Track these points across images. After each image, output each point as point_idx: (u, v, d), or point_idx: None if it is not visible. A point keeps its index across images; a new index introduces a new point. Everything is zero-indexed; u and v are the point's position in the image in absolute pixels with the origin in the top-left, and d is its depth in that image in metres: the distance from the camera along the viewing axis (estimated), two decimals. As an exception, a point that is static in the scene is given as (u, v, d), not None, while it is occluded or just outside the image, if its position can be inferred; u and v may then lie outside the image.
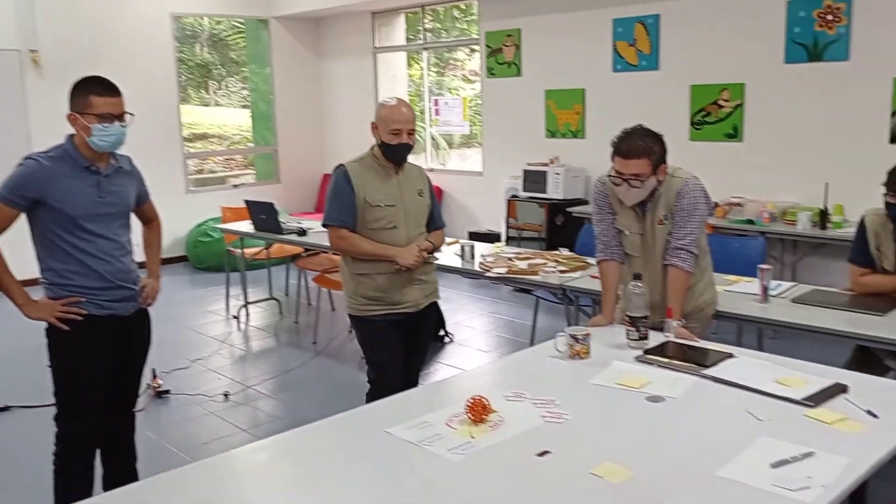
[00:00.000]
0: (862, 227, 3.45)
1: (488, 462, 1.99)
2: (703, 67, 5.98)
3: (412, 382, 3.39)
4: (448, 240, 5.10)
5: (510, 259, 4.34)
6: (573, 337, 2.72)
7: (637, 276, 2.88)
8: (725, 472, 1.89)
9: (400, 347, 3.37)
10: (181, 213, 8.12)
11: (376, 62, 8.70)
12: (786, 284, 3.68)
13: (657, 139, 2.93)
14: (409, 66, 9.21)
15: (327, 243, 5.13)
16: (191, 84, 13.12)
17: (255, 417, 4.32)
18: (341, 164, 3.32)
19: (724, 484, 1.84)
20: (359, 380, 4.50)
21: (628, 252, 3.15)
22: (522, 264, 4.18)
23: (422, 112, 8.33)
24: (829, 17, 5.28)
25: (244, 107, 10.93)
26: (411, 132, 3.24)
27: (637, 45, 6.35)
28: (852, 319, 3.14)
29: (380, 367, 3.38)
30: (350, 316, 3.44)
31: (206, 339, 5.75)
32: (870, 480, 1.94)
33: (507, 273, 4.10)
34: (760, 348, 4.29)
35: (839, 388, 2.35)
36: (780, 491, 1.78)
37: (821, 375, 2.45)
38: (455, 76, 11.03)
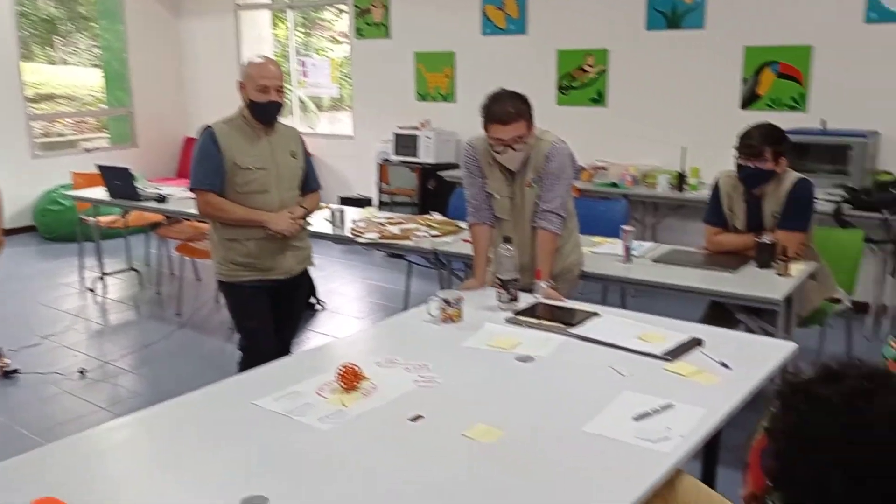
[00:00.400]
0: (716, 188, 3.64)
1: (360, 430, 1.96)
2: (569, 33, 6.09)
3: (284, 351, 3.30)
4: (318, 205, 5.00)
5: (382, 224, 4.29)
6: (445, 301, 2.72)
7: (507, 239, 2.91)
8: (591, 427, 1.94)
9: (271, 315, 3.31)
10: (26, 180, 7.53)
11: (238, 20, 8.32)
12: (647, 245, 3.83)
13: (524, 100, 2.94)
14: (275, 25, 8.86)
15: (189, 210, 4.94)
16: (34, 40, 12.10)
17: (115, 394, 4.09)
18: (208, 126, 3.16)
19: (590, 438, 1.89)
20: (226, 351, 4.37)
21: (498, 215, 3.18)
22: (394, 229, 4.14)
23: (288, 74, 8.05)
24: (686, -13, 5.49)
25: (95, 66, 10.21)
26: (280, 90, 3.14)
27: (505, 9, 6.38)
28: (707, 277, 3.31)
29: (250, 335, 3.31)
30: (219, 283, 3.33)
31: (59, 313, 5.38)
32: (723, 428, 2.05)
33: (379, 238, 4.05)
34: (624, 306, 4.47)
35: (695, 342, 2.47)
36: (641, 443, 1.85)
37: (679, 331, 2.56)
38: (323, 37, 10.73)
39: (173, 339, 4.84)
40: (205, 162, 3.14)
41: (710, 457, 2.48)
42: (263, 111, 3.13)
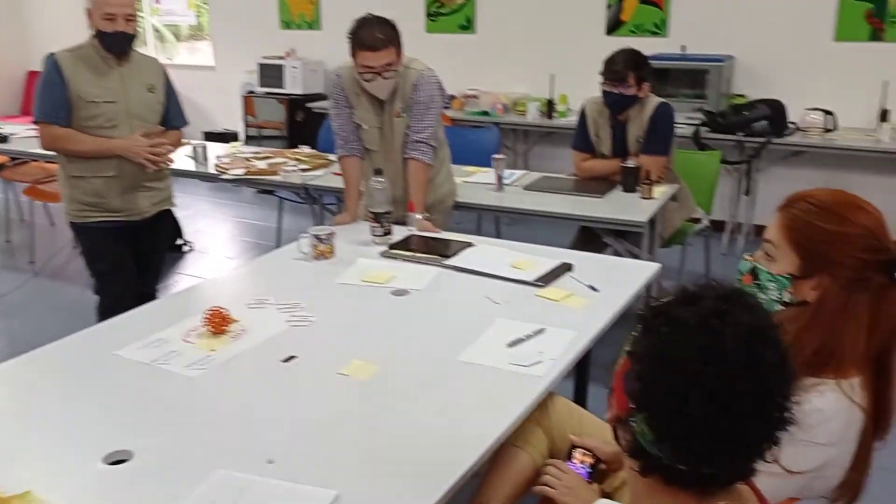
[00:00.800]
0: (582, 115, 3.69)
1: (230, 374, 1.89)
2: (436, -43, 5.94)
3: (148, 297, 3.14)
4: (179, 141, 4.73)
5: (248, 159, 4.11)
6: (316, 237, 2.65)
7: (378, 172, 2.84)
8: (466, 356, 1.96)
9: (126, 258, 3.16)
10: None
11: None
12: (518, 173, 3.86)
13: (393, 26, 2.85)
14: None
15: (36, 150, 4.56)
16: None
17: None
18: (51, 54, 2.91)
19: (466, 367, 1.90)
20: (87, 299, 4.10)
21: (368, 147, 3.10)
22: (261, 164, 3.98)
23: (140, 0, 7.50)
24: (551, -89, 5.44)
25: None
26: (130, 18, 2.91)
27: (370, -68, 6.13)
28: (576, 202, 3.38)
29: (102, 279, 3.14)
30: (70, 224, 3.11)
31: None
32: (593, 347, 2.12)
33: (246, 174, 3.88)
34: (498, 235, 4.55)
35: (565, 267, 2.52)
36: (515, 368, 1.89)
37: (550, 257, 2.61)
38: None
39: (27, 289, 4.51)
40: (48, 93, 2.90)
41: (582, 375, 2.57)
42: (111, 41, 2.90)
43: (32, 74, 8.06)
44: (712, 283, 0.97)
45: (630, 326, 1.03)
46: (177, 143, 3.22)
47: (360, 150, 3.10)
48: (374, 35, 2.78)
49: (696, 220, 3.87)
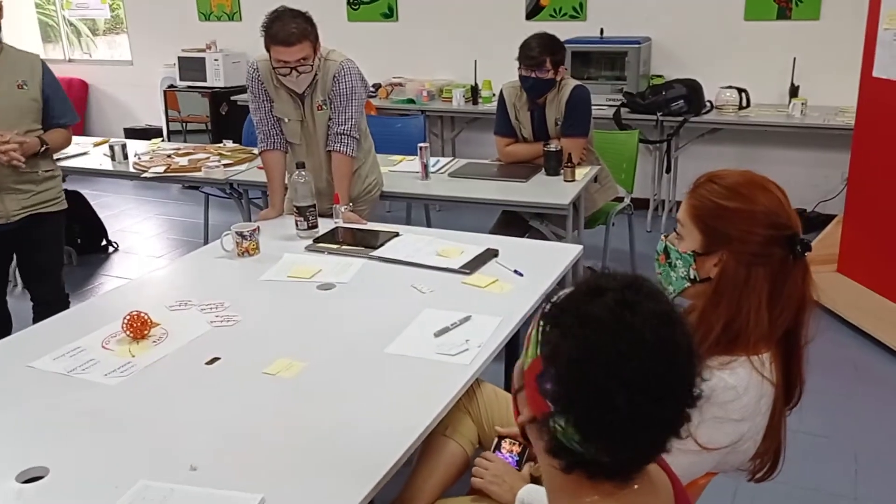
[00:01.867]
0: (501, 99, 3.72)
1: (151, 380, 1.85)
2: (355, -56, 5.88)
3: (46, 304, 3.01)
4: (97, 139, 4.59)
5: (169, 156, 4.01)
6: (239, 234, 2.61)
7: (300, 165, 2.81)
8: (392, 348, 1.96)
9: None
10: None
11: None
12: (444, 160, 3.87)
13: (308, 19, 2.80)
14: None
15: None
16: None
17: None
18: None
19: (393, 360, 1.91)
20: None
21: (290, 140, 3.06)
22: (183, 161, 3.89)
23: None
24: None
25: None
26: None
27: (286, -81, 6.02)
28: (501, 188, 3.41)
29: None
30: None
31: None
32: (520, 329, 2.14)
33: (166, 172, 3.79)
34: (429, 222, 4.55)
35: (491, 254, 2.55)
36: (442, 357, 1.90)
37: (476, 244, 2.63)
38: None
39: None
40: None
41: (511, 358, 2.60)
42: None
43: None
44: (610, 273, 0.98)
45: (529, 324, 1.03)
46: (59, 142, 3.07)
47: (282, 144, 3.06)
48: (287, 29, 2.73)
49: (619, 200, 3.95)
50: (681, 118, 4.73)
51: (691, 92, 4.76)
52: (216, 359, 1.94)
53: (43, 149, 2.93)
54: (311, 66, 2.83)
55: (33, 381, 1.85)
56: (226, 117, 6.21)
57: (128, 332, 2.04)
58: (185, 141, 6.13)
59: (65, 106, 3.06)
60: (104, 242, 5.04)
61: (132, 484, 1.45)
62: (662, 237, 1.52)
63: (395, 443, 1.57)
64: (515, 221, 3.48)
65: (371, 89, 5.55)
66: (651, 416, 0.90)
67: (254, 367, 1.88)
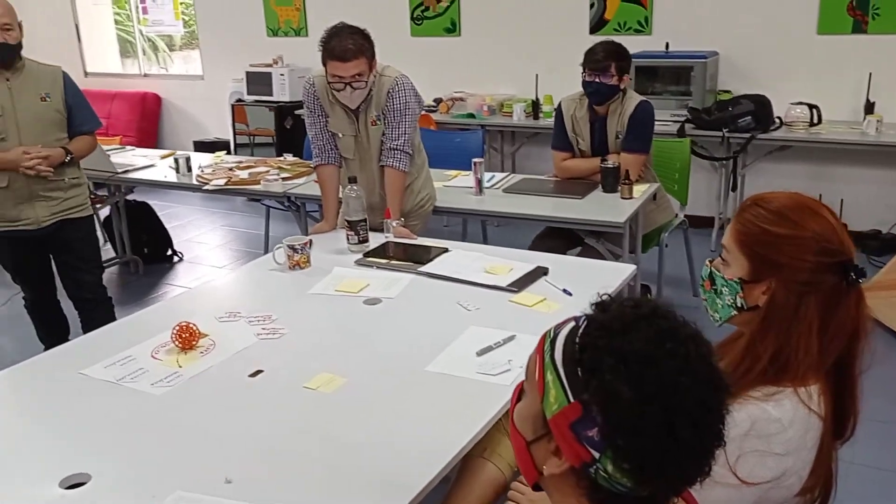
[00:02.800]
0: (559, 112, 3.68)
1: (196, 390, 1.88)
2: (420, -39, 5.93)
3: (83, 301, 3.35)
4: (164, 152, 4.74)
5: (231, 169, 4.10)
6: (291, 247, 2.64)
7: (352, 180, 2.83)
8: (434, 366, 1.94)
9: (30, 265, 3.32)
10: None
11: (66, -47, 7.65)
12: (500, 175, 3.85)
13: (366, 36, 2.83)
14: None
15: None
16: None
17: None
18: None
19: (433, 378, 1.89)
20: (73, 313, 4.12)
21: (344, 155, 3.09)
22: (243, 174, 3.97)
23: (115, 9, 7.50)
24: (532, -89, 5.43)
25: None
26: (6, 28, 2.91)
27: (353, -63, 6.12)
28: (556, 204, 3.37)
29: (15, 282, 3.41)
30: None
31: None
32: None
33: (227, 184, 3.87)
34: (485, 237, 4.53)
35: (541, 271, 2.51)
36: (483, 377, 1.87)
37: (527, 261, 2.59)
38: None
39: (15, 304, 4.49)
40: None
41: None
42: None
43: None
44: (616, 301, 0.95)
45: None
46: (83, 150, 3.22)
47: (336, 159, 3.09)
48: (344, 45, 2.76)
49: (674, 216, 3.84)
50: (748, 134, 4.59)
51: (759, 108, 4.62)
52: (259, 371, 1.96)
53: (68, 158, 3.11)
54: (366, 82, 2.85)
55: (84, 389, 1.90)
56: (290, 131, 6.33)
57: (176, 343, 2.07)
58: (252, 154, 6.27)
59: (88, 113, 3.23)
60: (169, 252, 5.18)
61: (168, 494, 1.47)
62: (707, 263, 1.46)
63: (431, 462, 1.55)
64: (560, 234, 3.42)
65: (432, 104, 5.58)
66: (703, 445, 0.88)
67: (295, 380, 1.89)
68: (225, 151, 5.51)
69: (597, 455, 0.88)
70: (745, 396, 1.29)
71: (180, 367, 2.00)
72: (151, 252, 5.07)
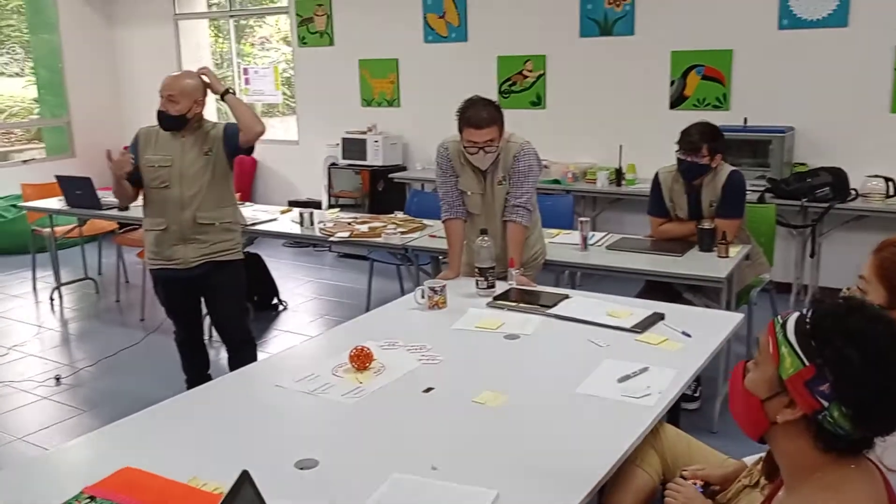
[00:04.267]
0: (657, 183, 4.00)
1: (381, 402, 2.21)
2: (508, 40, 6.42)
3: (231, 342, 3.71)
4: (271, 208, 5.19)
5: (349, 223, 4.51)
6: (432, 289, 2.98)
7: (483, 231, 3.19)
8: (582, 389, 2.24)
9: (182, 303, 3.70)
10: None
11: (178, 29, 8.37)
12: (599, 234, 4.17)
13: (497, 107, 3.23)
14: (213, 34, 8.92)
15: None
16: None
17: (94, 397, 4.17)
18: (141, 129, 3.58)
19: (583, 398, 2.19)
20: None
21: (471, 210, 3.46)
22: (363, 227, 4.37)
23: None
24: (617, -4, 5.90)
25: (18, 75, 10.02)
26: (170, 99, 3.38)
27: (446, 18, 6.67)
28: (657, 261, 3.67)
29: (168, 317, 3.84)
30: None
31: (19, 324, 5.38)
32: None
33: (350, 237, 4.28)
34: (573, 289, 4.82)
35: (658, 317, 2.80)
36: (628, 399, 2.16)
37: (641, 307, 2.90)
38: (252, 44, 10.79)
39: (143, 345, 4.91)
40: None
41: (673, 411, 2.82)
42: (158, 118, 3.45)
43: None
44: (836, 299, 1.29)
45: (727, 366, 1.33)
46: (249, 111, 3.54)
47: (463, 214, 3.46)
48: (479, 115, 3.16)
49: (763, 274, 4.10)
50: (826, 204, 4.86)
51: (837, 179, 4.90)
52: (430, 388, 2.28)
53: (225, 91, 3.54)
54: (497, 147, 3.23)
55: (287, 396, 2.25)
56: (382, 193, 6.78)
57: (353, 364, 2.41)
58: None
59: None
60: (275, 301, 5.59)
61: (386, 476, 1.78)
62: (845, 289, 1.76)
63: (598, 464, 1.83)
64: (660, 289, 3.70)
65: (543, 168, 5.97)
66: None
67: (464, 396, 2.20)
68: (326, 209, 5.94)
69: (826, 404, 1.22)
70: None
71: (360, 383, 2.33)
72: (260, 300, 5.48)
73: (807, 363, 1.24)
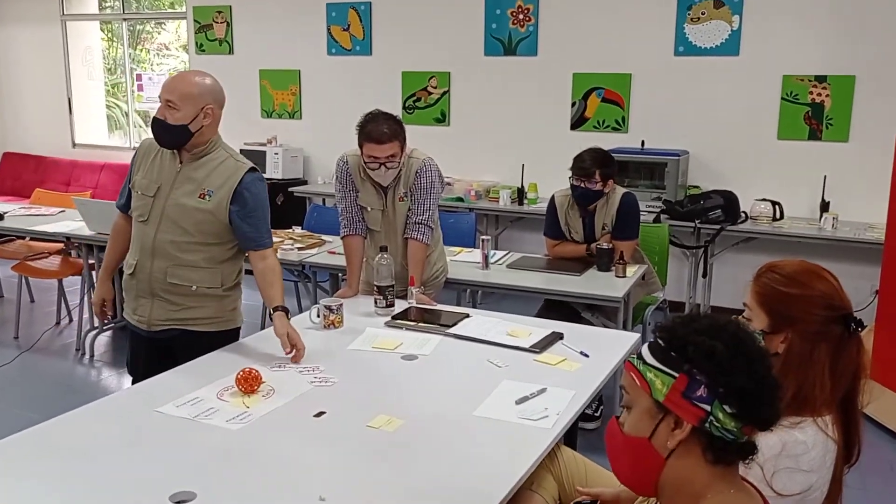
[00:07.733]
0: (552, 206, 4.04)
1: (269, 427, 2.08)
2: (413, 55, 6.39)
3: None
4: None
5: (244, 238, 4.32)
6: (327, 307, 2.87)
7: (383, 249, 3.10)
8: (480, 411, 2.18)
9: (141, 366, 2.81)
10: None
11: (66, 30, 7.94)
12: (500, 253, 4.16)
13: (399, 122, 3.16)
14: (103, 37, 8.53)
15: (32, 228, 4.74)
16: None
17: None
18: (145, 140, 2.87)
19: (481, 421, 2.13)
20: (75, 373, 4.24)
21: (371, 227, 3.37)
22: (258, 243, 4.20)
23: (114, 87, 7.77)
24: (521, 16, 5.96)
25: None
26: (169, 104, 2.61)
27: (351, 31, 6.58)
28: (558, 280, 3.68)
29: (131, 375, 2.97)
30: None
31: None
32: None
33: (245, 252, 4.09)
34: (474, 307, 4.79)
35: (557, 336, 2.79)
36: (525, 421, 2.12)
37: (540, 327, 2.88)
38: (149, 50, 10.41)
39: (16, 365, 4.58)
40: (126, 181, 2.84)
41: (571, 432, 2.80)
42: (152, 128, 2.68)
43: (6, 155, 8.19)
44: (675, 317, 1.32)
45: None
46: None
47: (362, 230, 3.36)
48: (380, 129, 3.08)
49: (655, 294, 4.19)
50: (718, 226, 5.02)
51: (728, 202, 5.08)
52: (322, 412, 2.17)
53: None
54: (398, 162, 3.16)
55: (166, 423, 2.09)
56: (280, 206, 6.59)
57: (240, 387, 2.28)
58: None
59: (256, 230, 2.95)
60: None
61: (270, 509, 1.66)
62: (733, 318, 1.77)
63: (489, 494, 1.77)
64: (557, 308, 3.72)
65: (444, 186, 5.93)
66: (771, 385, 1.24)
67: (357, 420, 2.11)
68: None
69: (708, 408, 1.21)
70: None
71: (248, 407, 2.20)
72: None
73: (676, 375, 1.24)
